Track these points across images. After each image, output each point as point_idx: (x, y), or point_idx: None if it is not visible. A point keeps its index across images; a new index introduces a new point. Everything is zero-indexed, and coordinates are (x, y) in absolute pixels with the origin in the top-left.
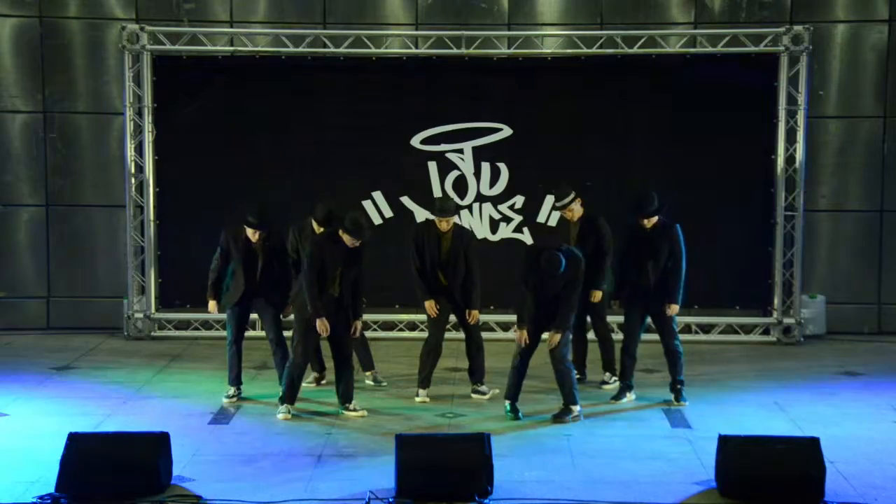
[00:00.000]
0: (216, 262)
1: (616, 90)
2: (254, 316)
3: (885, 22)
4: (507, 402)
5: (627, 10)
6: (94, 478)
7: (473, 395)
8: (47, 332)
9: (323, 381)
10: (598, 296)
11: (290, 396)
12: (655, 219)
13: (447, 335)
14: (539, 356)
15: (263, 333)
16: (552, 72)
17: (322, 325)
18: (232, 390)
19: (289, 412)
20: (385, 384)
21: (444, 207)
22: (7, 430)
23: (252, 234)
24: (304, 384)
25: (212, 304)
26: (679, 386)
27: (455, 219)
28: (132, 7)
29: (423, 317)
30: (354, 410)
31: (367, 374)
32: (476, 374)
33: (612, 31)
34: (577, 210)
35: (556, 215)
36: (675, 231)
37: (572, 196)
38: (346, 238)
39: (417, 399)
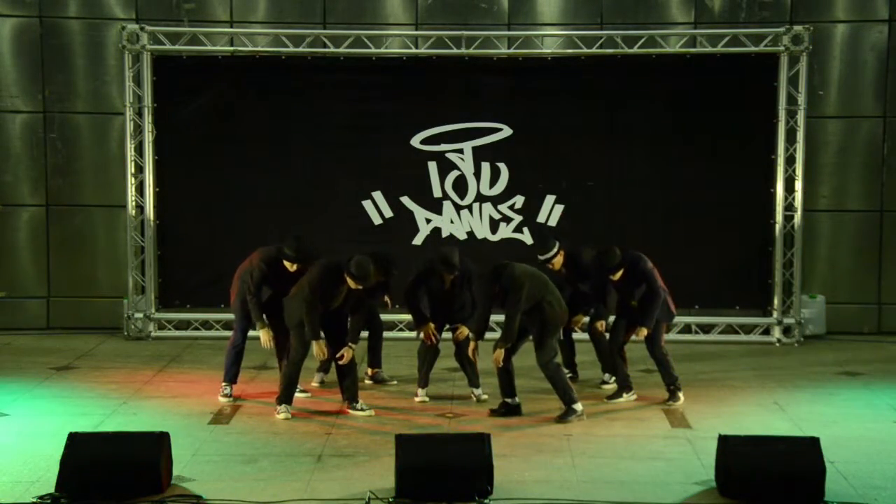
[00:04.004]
0: (256, 288)
1: (616, 90)
2: None
3: (885, 22)
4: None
5: (627, 10)
6: (94, 478)
7: (472, 395)
8: (47, 332)
9: (325, 382)
10: (602, 324)
11: (287, 396)
12: (621, 271)
13: (445, 335)
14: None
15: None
16: (552, 72)
17: (319, 350)
18: (229, 388)
19: (288, 412)
20: (395, 382)
21: (450, 264)
22: (7, 430)
23: (290, 266)
24: (311, 384)
25: (266, 336)
26: (672, 387)
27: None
28: (132, 7)
29: None
30: (361, 410)
31: (369, 371)
32: (471, 379)
33: (612, 31)
34: (559, 261)
35: (556, 215)
36: (642, 266)
37: (555, 250)
38: (350, 282)
39: (417, 399)
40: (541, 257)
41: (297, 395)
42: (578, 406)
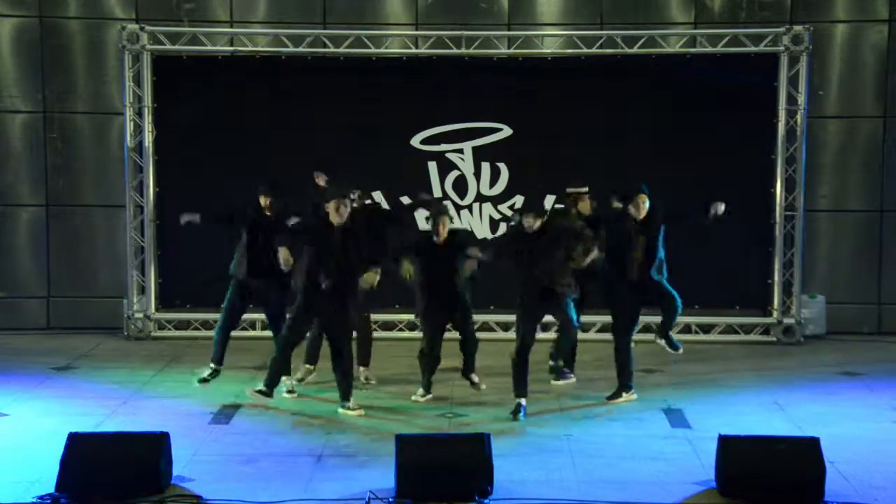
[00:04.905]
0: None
1: (616, 90)
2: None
3: (885, 22)
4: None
5: (627, 10)
6: (94, 478)
7: (471, 386)
8: (47, 332)
9: (312, 376)
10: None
11: (269, 384)
12: (647, 204)
13: (446, 335)
14: (535, 355)
15: (263, 334)
16: (552, 72)
17: (285, 254)
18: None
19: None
20: (373, 383)
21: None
22: (7, 430)
23: (265, 203)
24: (296, 379)
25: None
26: (623, 385)
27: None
28: (132, 7)
29: None
30: (352, 409)
31: (361, 369)
32: (467, 365)
33: (612, 31)
34: (587, 204)
35: None
36: (663, 212)
37: (587, 188)
38: (332, 211)
39: (413, 397)
40: (576, 189)
41: (284, 395)
42: (523, 400)
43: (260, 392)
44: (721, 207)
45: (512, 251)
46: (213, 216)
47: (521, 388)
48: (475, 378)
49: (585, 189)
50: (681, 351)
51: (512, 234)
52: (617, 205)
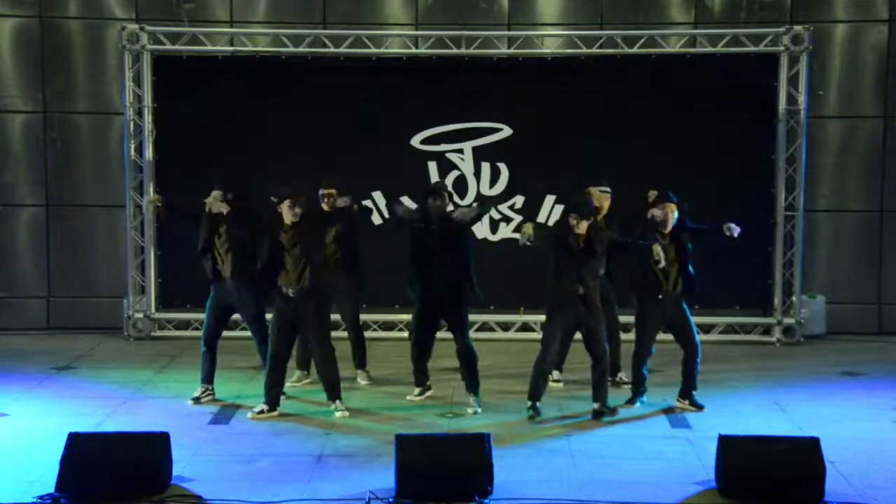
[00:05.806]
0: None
1: (616, 90)
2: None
3: (885, 22)
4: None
5: (627, 10)
6: (94, 478)
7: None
8: (47, 332)
9: (307, 381)
10: None
11: (270, 400)
12: (675, 210)
13: (445, 335)
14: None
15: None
16: (552, 72)
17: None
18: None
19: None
20: (371, 380)
21: (437, 189)
22: (7, 430)
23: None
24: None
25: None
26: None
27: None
28: (132, 7)
29: None
30: (338, 410)
31: (359, 371)
32: (468, 384)
33: (612, 31)
34: (608, 203)
35: (556, 215)
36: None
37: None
38: (286, 211)
39: (408, 397)
40: (599, 188)
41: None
42: (533, 403)
43: (262, 412)
44: (736, 231)
45: (555, 245)
46: (183, 213)
47: (537, 392)
48: (471, 402)
49: (609, 190)
50: (704, 410)
51: (561, 232)
52: (652, 193)
